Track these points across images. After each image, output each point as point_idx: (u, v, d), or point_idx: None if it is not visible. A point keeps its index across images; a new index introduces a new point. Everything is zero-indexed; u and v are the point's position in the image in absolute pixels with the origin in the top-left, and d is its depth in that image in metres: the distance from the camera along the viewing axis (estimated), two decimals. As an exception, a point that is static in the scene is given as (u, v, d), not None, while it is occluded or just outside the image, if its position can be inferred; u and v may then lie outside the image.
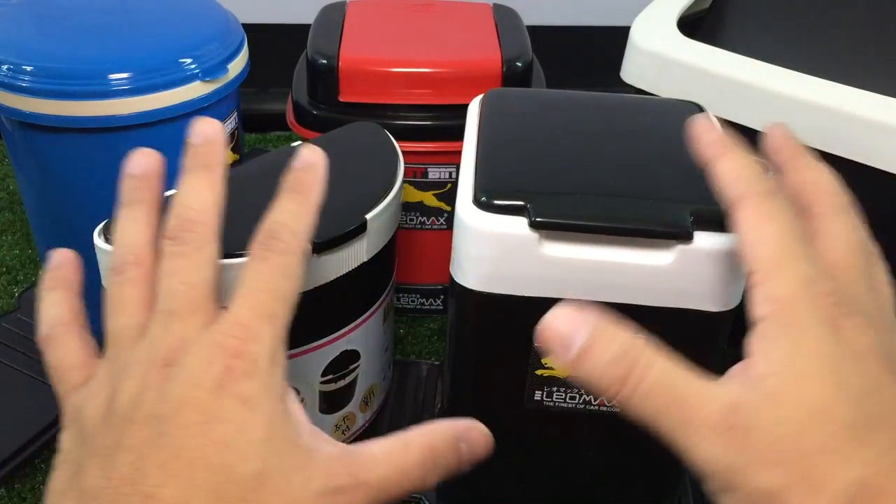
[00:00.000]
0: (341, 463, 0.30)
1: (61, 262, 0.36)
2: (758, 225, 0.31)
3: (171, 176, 0.56)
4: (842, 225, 0.33)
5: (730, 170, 0.33)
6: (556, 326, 0.31)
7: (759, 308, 0.30)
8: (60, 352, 0.34)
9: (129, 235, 0.34)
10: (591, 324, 0.30)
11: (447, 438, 0.32)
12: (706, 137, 0.35)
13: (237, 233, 0.44)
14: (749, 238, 0.31)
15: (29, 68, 0.51)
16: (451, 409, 0.47)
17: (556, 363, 0.31)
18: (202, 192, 0.34)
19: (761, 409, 0.28)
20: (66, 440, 0.32)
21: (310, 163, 0.36)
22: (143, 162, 0.36)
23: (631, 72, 0.57)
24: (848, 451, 0.27)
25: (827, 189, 0.34)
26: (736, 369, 0.30)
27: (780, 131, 0.37)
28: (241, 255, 0.42)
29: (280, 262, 0.32)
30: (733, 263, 0.38)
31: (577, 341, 0.30)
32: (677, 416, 0.29)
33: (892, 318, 0.32)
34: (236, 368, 0.29)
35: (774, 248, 0.31)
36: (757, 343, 0.30)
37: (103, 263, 0.43)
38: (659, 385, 0.30)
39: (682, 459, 0.31)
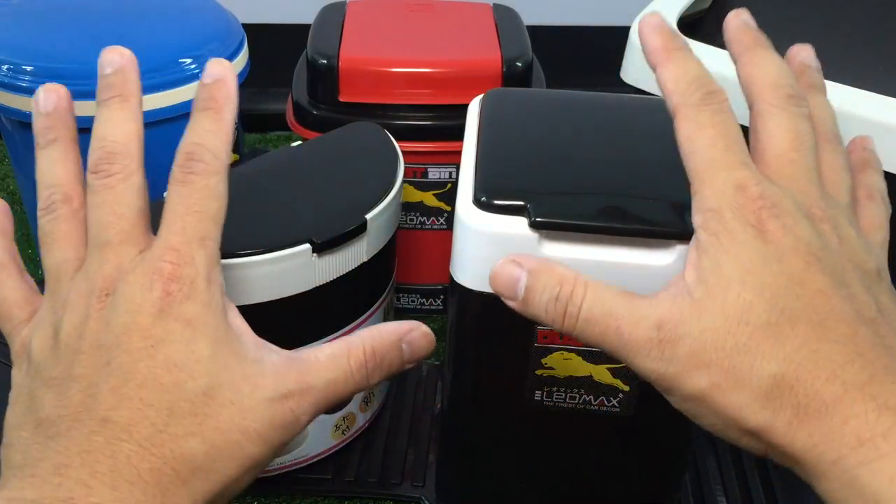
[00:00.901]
0: (287, 370, 0.32)
1: None
2: (690, 137, 0.32)
3: (167, 175, 0.56)
4: (783, 120, 0.33)
5: (668, 79, 0.34)
6: (501, 276, 0.33)
7: (694, 219, 0.32)
8: (2, 292, 0.35)
9: (52, 175, 0.35)
10: (527, 267, 0.33)
11: (389, 340, 0.34)
12: (650, 42, 0.34)
13: (237, 233, 0.44)
14: (685, 150, 0.33)
15: (29, 68, 0.51)
16: (452, 409, 0.47)
17: (510, 306, 0.33)
18: (121, 123, 0.34)
19: (687, 321, 0.30)
20: (17, 375, 0.33)
21: (218, 77, 0.35)
22: (52, 98, 0.35)
23: (631, 72, 0.57)
24: (766, 348, 0.29)
25: (771, 82, 0.34)
26: (673, 280, 0.32)
27: (737, 20, 0.36)
28: (241, 255, 0.42)
29: (204, 184, 0.33)
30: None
31: (519, 287, 0.33)
32: (615, 338, 0.32)
33: (838, 202, 0.33)
34: (175, 292, 0.31)
35: (704, 158, 0.32)
36: (691, 253, 0.32)
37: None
38: (594, 313, 0.32)
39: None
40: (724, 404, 0.30)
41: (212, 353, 0.31)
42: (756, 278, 0.30)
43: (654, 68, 0.34)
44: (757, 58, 0.34)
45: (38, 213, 0.34)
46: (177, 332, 0.31)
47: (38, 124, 0.35)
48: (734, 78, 0.52)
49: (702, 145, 0.32)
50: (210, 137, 0.34)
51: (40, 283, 0.65)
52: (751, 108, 0.34)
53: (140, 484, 0.28)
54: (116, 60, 0.35)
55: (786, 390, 0.29)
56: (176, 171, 0.33)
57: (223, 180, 0.34)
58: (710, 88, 0.33)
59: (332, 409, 0.33)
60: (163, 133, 0.54)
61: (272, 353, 0.33)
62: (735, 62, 0.35)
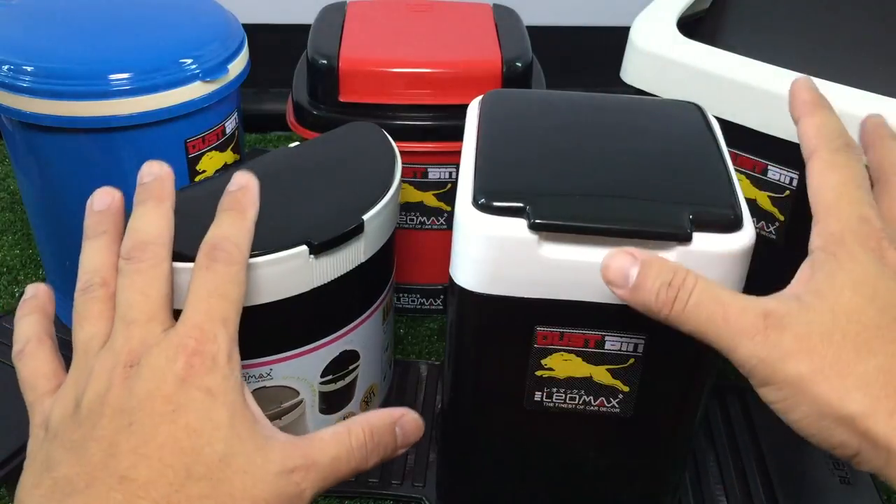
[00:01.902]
0: (295, 447, 0.34)
1: (36, 293, 0.40)
2: (822, 173, 0.36)
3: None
4: None
5: (810, 125, 0.38)
6: (612, 265, 0.35)
7: (813, 242, 0.35)
8: (32, 363, 0.37)
9: (93, 261, 0.38)
10: (639, 259, 0.35)
11: (384, 424, 0.37)
12: (800, 96, 0.39)
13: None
14: (814, 185, 0.36)
15: (29, 68, 0.51)
16: (451, 409, 0.47)
17: (618, 295, 0.35)
18: (154, 219, 0.38)
19: (794, 314, 0.32)
20: (34, 443, 0.35)
21: (242, 185, 0.39)
22: (105, 199, 0.39)
23: (631, 72, 0.57)
24: (874, 344, 0.31)
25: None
26: (777, 293, 0.34)
27: (874, 120, 0.40)
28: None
29: (226, 271, 0.36)
30: (732, 264, 0.38)
31: (630, 275, 0.34)
32: (721, 323, 0.33)
33: None
34: (197, 364, 0.33)
35: (834, 193, 0.35)
36: (803, 271, 0.34)
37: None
38: (703, 300, 0.34)
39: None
40: (825, 390, 0.31)
41: (229, 422, 0.33)
42: (869, 288, 0.32)
43: (799, 117, 0.38)
44: (889, 145, 0.39)
45: (76, 294, 0.37)
46: (198, 400, 0.32)
47: (90, 220, 0.39)
48: (738, 80, 0.52)
49: (834, 182, 0.35)
50: (234, 232, 0.37)
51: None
52: (883, 178, 0.38)
53: None
54: (155, 171, 0.39)
55: (891, 380, 0.31)
56: (201, 259, 0.36)
57: (244, 270, 0.37)
58: (849, 141, 0.37)
59: (332, 485, 0.35)
60: (163, 133, 0.54)
61: (281, 433, 0.35)
62: (869, 146, 0.39)
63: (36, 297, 0.40)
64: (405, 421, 0.37)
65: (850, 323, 0.32)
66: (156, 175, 0.39)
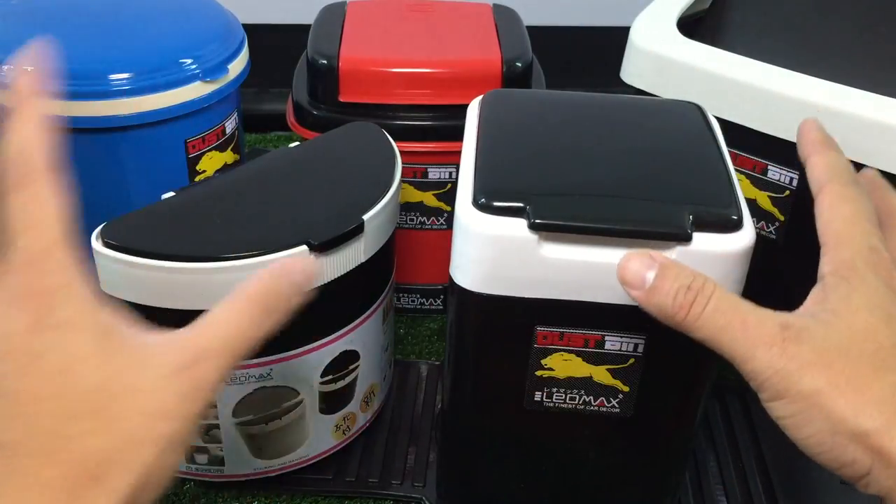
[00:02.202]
0: (179, 341, 0.32)
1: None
2: (834, 205, 0.36)
3: (167, 175, 0.56)
4: None
5: (819, 163, 0.38)
6: (630, 267, 0.35)
7: (823, 269, 0.35)
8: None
9: None
10: (657, 262, 0.34)
11: (270, 280, 0.34)
12: (809, 136, 0.40)
13: (235, 234, 0.44)
14: (825, 216, 0.36)
15: (29, 68, 0.51)
16: (451, 409, 0.47)
17: (632, 294, 0.35)
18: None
19: (811, 328, 0.33)
20: None
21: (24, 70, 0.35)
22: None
23: (631, 72, 0.57)
24: (890, 362, 0.32)
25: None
26: (790, 312, 0.34)
27: (871, 174, 0.41)
28: (241, 257, 0.42)
29: (28, 195, 0.31)
30: (732, 264, 0.38)
31: (647, 278, 0.34)
32: (738, 332, 0.33)
33: None
34: (43, 302, 0.30)
35: (846, 224, 0.36)
36: (815, 293, 0.35)
37: (101, 266, 0.43)
38: (721, 307, 0.33)
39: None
40: (840, 406, 0.32)
41: (95, 347, 0.30)
42: (884, 311, 0.33)
43: (808, 155, 0.39)
44: (889, 192, 0.40)
45: None
46: (54, 339, 0.30)
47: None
48: (738, 80, 0.52)
49: (846, 213, 0.36)
50: (15, 140, 0.33)
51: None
52: (888, 221, 0.38)
53: (47, 492, 0.28)
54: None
55: None
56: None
57: (46, 185, 0.32)
58: (856, 178, 0.38)
59: (245, 357, 0.32)
60: (163, 133, 0.54)
61: (160, 334, 0.32)
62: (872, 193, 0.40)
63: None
64: (292, 268, 0.34)
65: (867, 341, 0.32)
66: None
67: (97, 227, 0.43)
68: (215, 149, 0.58)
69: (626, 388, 0.43)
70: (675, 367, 0.42)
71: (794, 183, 0.53)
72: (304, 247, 0.43)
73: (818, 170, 0.38)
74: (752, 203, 0.55)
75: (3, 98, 0.34)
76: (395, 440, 0.56)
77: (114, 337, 0.31)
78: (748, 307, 0.34)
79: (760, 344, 0.32)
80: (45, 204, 0.32)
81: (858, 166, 0.50)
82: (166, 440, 0.30)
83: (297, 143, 0.53)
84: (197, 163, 0.57)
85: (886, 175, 0.49)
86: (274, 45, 0.73)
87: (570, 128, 0.44)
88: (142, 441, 0.30)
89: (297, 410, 0.50)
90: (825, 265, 0.35)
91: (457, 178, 0.43)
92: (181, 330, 0.32)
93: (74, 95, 0.51)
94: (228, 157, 0.60)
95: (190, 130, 0.56)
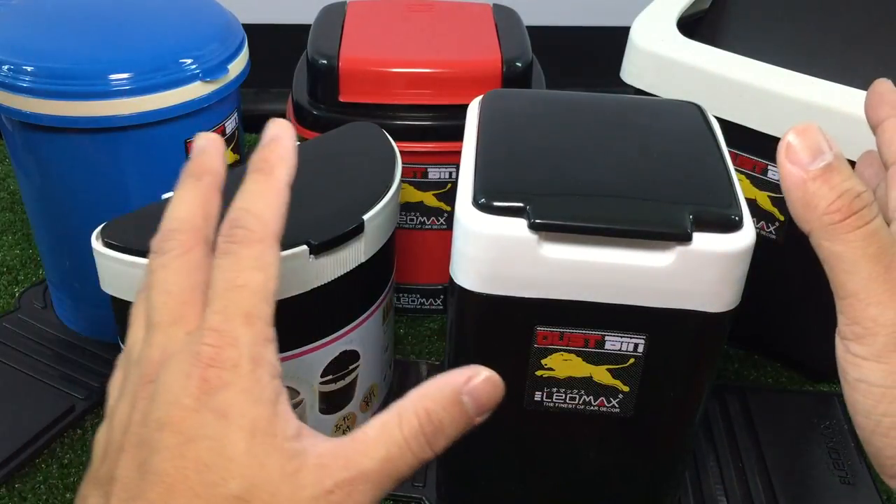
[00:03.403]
0: (333, 458, 0.28)
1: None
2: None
3: (167, 175, 0.56)
4: None
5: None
6: (807, 139, 0.30)
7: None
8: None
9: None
10: (834, 152, 0.30)
11: (444, 397, 0.29)
12: (887, 97, 0.35)
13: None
14: None
15: (29, 68, 0.51)
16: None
17: (790, 168, 0.30)
18: (185, 200, 0.33)
19: None
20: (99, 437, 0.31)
21: (273, 136, 0.33)
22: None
23: (631, 72, 0.57)
24: None
25: None
26: None
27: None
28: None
29: (247, 254, 0.30)
30: (732, 264, 0.38)
31: (825, 155, 0.30)
32: (881, 269, 0.29)
33: None
34: (212, 379, 0.28)
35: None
36: None
37: (101, 266, 0.43)
38: (880, 234, 0.29)
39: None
40: None
41: (246, 449, 0.28)
42: None
43: (883, 119, 0.35)
44: None
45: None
46: (210, 426, 0.28)
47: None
48: (738, 80, 0.52)
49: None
50: (256, 201, 0.31)
51: (41, 283, 0.64)
52: None
53: None
54: (200, 143, 0.35)
55: None
56: (220, 243, 0.31)
57: (270, 248, 0.31)
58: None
59: (393, 488, 0.29)
60: (163, 133, 0.54)
61: (319, 442, 0.29)
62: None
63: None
64: (474, 386, 0.30)
65: None
66: (199, 148, 0.34)
67: (97, 227, 0.43)
68: (215, 149, 0.58)
69: (626, 388, 0.43)
70: (675, 367, 0.42)
71: (794, 183, 0.53)
72: (304, 247, 0.43)
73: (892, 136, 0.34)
74: (752, 203, 0.55)
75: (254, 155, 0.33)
76: (395, 440, 0.56)
77: (271, 439, 0.28)
78: None
79: (893, 293, 0.29)
80: (258, 269, 0.30)
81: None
82: None
83: (296, 143, 0.53)
84: (197, 163, 0.57)
85: (886, 175, 0.49)
86: (274, 45, 0.73)
87: (570, 128, 0.44)
88: None
89: (296, 410, 0.50)
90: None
91: (457, 178, 0.43)
92: (341, 440, 0.29)
93: (74, 95, 0.51)
94: (228, 157, 0.60)
95: (190, 130, 0.56)
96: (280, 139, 0.33)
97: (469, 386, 0.29)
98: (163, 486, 0.27)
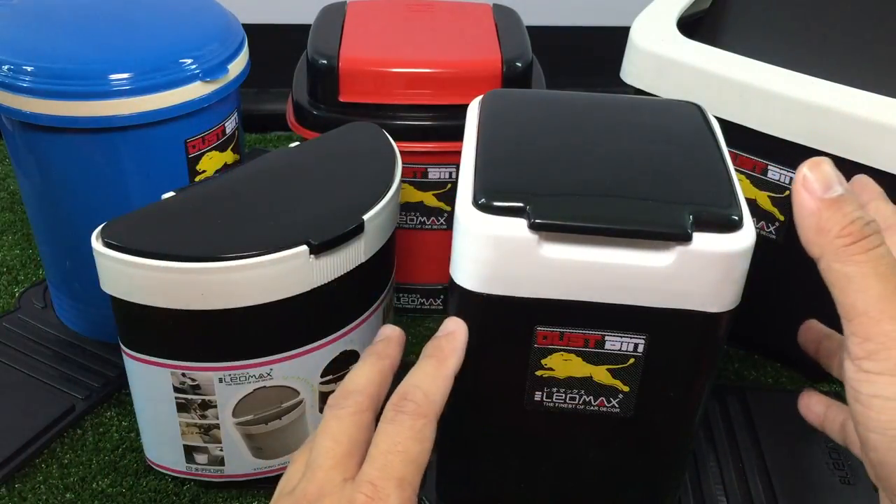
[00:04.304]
0: None
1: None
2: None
3: (167, 175, 0.56)
4: None
5: (882, 208, 0.37)
6: (822, 171, 0.33)
7: None
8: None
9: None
10: (846, 185, 0.33)
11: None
12: (869, 186, 0.38)
13: (235, 234, 0.44)
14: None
15: (29, 68, 0.51)
16: (451, 409, 0.47)
17: (805, 197, 0.33)
18: (365, 371, 0.38)
19: None
20: None
21: (449, 331, 0.40)
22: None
23: (631, 72, 0.57)
24: None
25: None
26: None
27: (864, 179, 0.39)
28: (241, 257, 0.42)
29: (412, 425, 0.35)
30: (732, 264, 0.38)
31: (836, 187, 0.32)
32: (887, 290, 0.31)
33: None
34: None
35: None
36: None
37: (101, 266, 0.43)
38: (887, 259, 0.31)
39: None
40: None
41: None
42: None
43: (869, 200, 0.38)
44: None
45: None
46: None
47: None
48: (738, 80, 0.52)
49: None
50: (428, 381, 0.37)
51: (41, 283, 0.64)
52: None
53: None
54: (387, 333, 0.42)
55: None
56: (388, 410, 0.36)
57: (430, 424, 0.36)
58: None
59: None
60: (163, 133, 0.54)
61: None
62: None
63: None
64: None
65: None
66: (385, 336, 0.41)
67: (97, 227, 0.43)
68: (215, 149, 0.58)
69: (626, 388, 0.43)
70: (675, 367, 0.42)
71: (794, 183, 0.53)
72: (304, 247, 0.43)
73: (886, 211, 0.37)
74: (752, 203, 0.55)
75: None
76: (395, 440, 0.56)
77: None
78: None
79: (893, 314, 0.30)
80: (418, 441, 0.35)
81: (858, 166, 0.50)
82: None
83: (297, 143, 0.53)
84: (197, 163, 0.57)
85: (886, 175, 0.49)
86: (274, 45, 0.73)
87: (570, 127, 0.44)
88: None
89: (297, 410, 0.50)
90: None
91: (457, 178, 0.43)
92: None
93: (74, 95, 0.51)
94: (228, 157, 0.60)
95: (190, 130, 0.56)
96: (456, 334, 0.39)
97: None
98: None
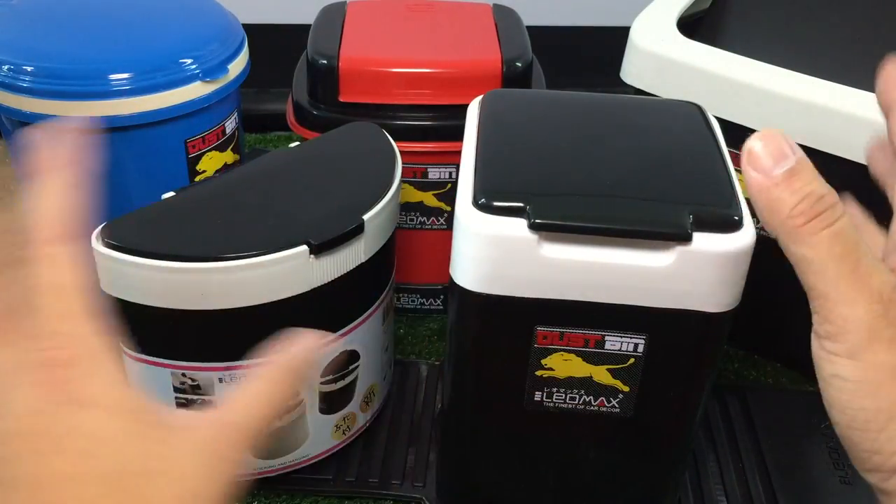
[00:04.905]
0: (200, 417, 0.30)
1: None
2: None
3: (167, 175, 0.56)
4: None
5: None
6: (764, 146, 0.31)
7: None
8: None
9: None
10: (796, 157, 0.31)
11: (283, 363, 0.32)
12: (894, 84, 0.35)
13: (235, 235, 0.44)
14: None
15: (29, 68, 0.51)
16: (451, 409, 0.47)
17: (753, 174, 0.31)
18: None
19: None
20: None
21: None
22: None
23: (631, 72, 0.57)
24: None
25: None
26: None
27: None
28: (241, 257, 0.42)
29: (48, 260, 0.29)
30: (732, 264, 0.38)
31: (788, 160, 0.30)
32: (848, 268, 0.30)
33: None
34: (61, 379, 0.28)
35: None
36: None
37: (101, 266, 0.43)
38: (845, 234, 0.30)
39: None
40: None
41: (118, 429, 0.28)
42: None
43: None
44: None
45: None
46: (74, 418, 0.27)
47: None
48: (738, 80, 0.52)
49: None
50: (35, 207, 0.31)
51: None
52: None
53: None
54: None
55: None
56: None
57: (66, 249, 0.30)
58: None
59: (261, 436, 0.32)
60: (163, 133, 0.55)
61: (179, 411, 0.31)
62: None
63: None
64: (303, 339, 0.33)
65: None
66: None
67: (97, 227, 0.43)
68: (215, 149, 0.58)
69: (626, 388, 0.43)
70: (675, 367, 0.42)
71: (794, 183, 0.53)
72: (304, 247, 0.43)
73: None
74: (752, 203, 0.55)
75: (32, 158, 0.32)
76: (395, 440, 0.56)
77: (138, 416, 0.29)
78: (865, 250, 0.30)
79: (865, 292, 0.30)
80: (65, 272, 0.29)
81: (858, 167, 0.50)
82: None
83: (297, 143, 0.53)
84: (197, 163, 0.57)
85: (886, 175, 0.49)
86: (274, 45, 0.73)
87: (570, 128, 0.44)
88: None
89: (297, 410, 0.50)
90: None
91: (457, 178, 0.43)
92: (202, 411, 0.31)
93: (74, 95, 0.51)
94: (228, 157, 0.60)
95: (190, 130, 0.56)
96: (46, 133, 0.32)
97: (299, 340, 0.32)
98: (36, 489, 0.27)
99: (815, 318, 0.31)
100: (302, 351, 0.33)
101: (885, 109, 0.35)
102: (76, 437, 0.27)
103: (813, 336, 0.32)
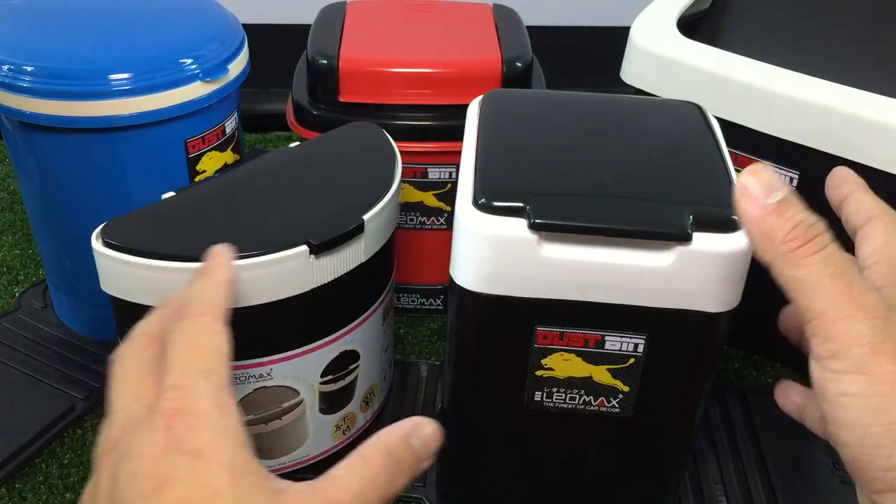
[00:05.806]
0: (312, 491, 0.30)
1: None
2: (888, 234, 0.35)
3: (167, 175, 0.56)
4: None
5: (867, 197, 0.37)
6: (762, 177, 0.33)
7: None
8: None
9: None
10: (786, 189, 0.33)
11: (399, 440, 0.33)
12: (848, 177, 0.38)
13: (235, 234, 0.44)
14: (879, 242, 0.35)
15: (29, 68, 0.51)
16: (452, 409, 0.47)
17: (747, 206, 0.33)
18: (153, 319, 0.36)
19: None
20: None
21: (214, 252, 0.38)
22: None
23: (631, 72, 0.57)
24: None
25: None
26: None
27: (844, 171, 0.39)
28: (241, 257, 0.42)
29: (196, 323, 0.33)
30: (732, 264, 0.38)
31: (778, 192, 0.32)
32: (843, 286, 0.31)
33: None
34: (178, 425, 0.29)
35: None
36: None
37: (101, 266, 0.43)
38: (835, 257, 0.31)
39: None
40: None
41: (230, 483, 0.28)
42: None
43: (852, 192, 0.38)
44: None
45: None
46: (185, 465, 0.28)
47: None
48: (738, 80, 0.52)
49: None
50: (200, 290, 0.36)
51: (41, 283, 0.64)
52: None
53: None
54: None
55: None
56: (171, 325, 0.34)
57: (217, 320, 0.34)
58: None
59: None
60: (163, 133, 0.54)
61: (293, 483, 0.31)
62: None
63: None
64: (419, 430, 0.34)
65: None
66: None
67: (97, 227, 0.43)
68: (215, 149, 0.58)
69: (626, 388, 0.43)
70: (675, 367, 0.42)
71: (795, 182, 0.53)
72: (305, 247, 0.43)
73: (867, 202, 0.37)
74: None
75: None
76: (395, 440, 0.56)
77: (250, 475, 0.29)
78: (856, 270, 0.32)
79: (863, 307, 0.31)
80: (209, 334, 0.33)
81: (858, 167, 0.50)
82: None
83: (297, 143, 0.53)
84: (197, 163, 0.57)
85: (887, 175, 0.49)
86: (274, 45, 0.73)
87: (570, 128, 0.44)
88: None
89: (297, 410, 0.50)
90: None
91: (457, 178, 0.43)
92: (314, 480, 0.31)
93: (74, 95, 0.51)
94: (228, 157, 0.60)
95: (190, 130, 0.56)
96: (218, 251, 0.38)
97: (416, 430, 0.34)
98: None
99: (813, 342, 0.32)
100: (402, 431, 0.33)
101: (836, 205, 0.38)
102: (184, 484, 0.28)
103: (813, 361, 0.32)
